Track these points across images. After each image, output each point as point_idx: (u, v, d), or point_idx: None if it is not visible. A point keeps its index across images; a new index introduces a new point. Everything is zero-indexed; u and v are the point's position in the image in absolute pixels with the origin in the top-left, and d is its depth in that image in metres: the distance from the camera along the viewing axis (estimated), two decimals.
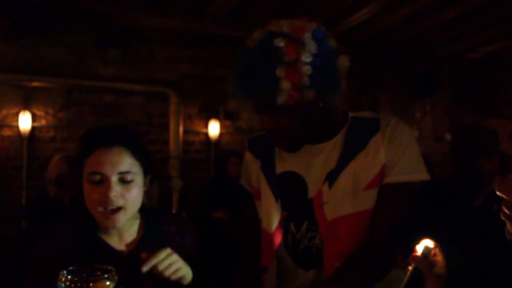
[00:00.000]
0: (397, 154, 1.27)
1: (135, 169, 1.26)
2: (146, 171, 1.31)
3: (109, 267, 1.02)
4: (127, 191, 1.24)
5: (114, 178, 1.22)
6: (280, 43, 1.15)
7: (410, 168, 1.28)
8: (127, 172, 1.24)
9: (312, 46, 1.16)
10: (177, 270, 1.20)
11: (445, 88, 6.38)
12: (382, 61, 6.43)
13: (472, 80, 6.64)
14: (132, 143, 1.28)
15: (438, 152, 5.88)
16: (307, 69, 1.15)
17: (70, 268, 1.00)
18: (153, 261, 1.17)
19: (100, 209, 1.23)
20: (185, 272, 1.23)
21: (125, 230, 1.33)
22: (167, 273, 1.18)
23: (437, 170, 5.58)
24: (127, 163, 1.25)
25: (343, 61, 1.24)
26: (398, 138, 1.28)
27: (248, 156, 1.55)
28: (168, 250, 1.20)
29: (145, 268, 1.16)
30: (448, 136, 6.34)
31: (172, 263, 1.20)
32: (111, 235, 1.31)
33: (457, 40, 6.00)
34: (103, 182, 1.22)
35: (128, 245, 1.32)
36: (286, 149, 1.38)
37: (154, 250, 1.20)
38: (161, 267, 1.17)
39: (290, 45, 1.15)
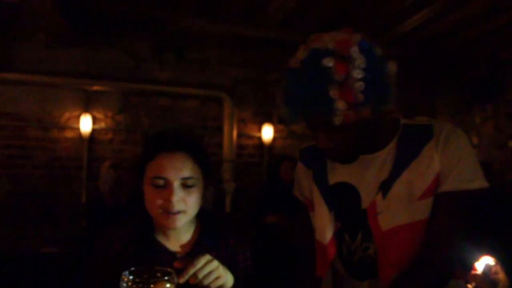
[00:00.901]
0: (452, 162, 1.23)
1: (197, 174, 1.29)
2: (206, 176, 1.34)
3: (169, 270, 1.04)
4: (188, 196, 1.27)
5: (176, 183, 1.25)
6: (329, 63, 1.10)
7: (467, 176, 1.22)
8: (190, 178, 1.26)
9: (360, 60, 1.11)
10: (217, 278, 1.17)
11: (508, 92, 6.11)
12: (439, 66, 6.23)
13: None
14: (195, 149, 1.30)
15: (500, 160, 5.65)
16: (359, 85, 1.11)
17: (132, 268, 1.02)
18: (191, 270, 1.13)
19: (161, 211, 1.26)
20: (225, 280, 1.20)
21: (182, 233, 1.35)
22: (206, 281, 1.15)
23: (499, 178, 5.37)
24: (190, 168, 1.27)
25: (391, 67, 1.19)
26: (453, 145, 1.24)
27: (300, 166, 1.53)
28: (207, 257, 1.17)
29: (183, 279, 1.11)
30: (511, 143, 6.05)
31: (212, 270, 1.16)
32: (167, 236, 1.34)
33: None
34: (166, 187, 1.25)
35: (183, 247, 1.34)
36: (341, 162, 1.35)
37: (193, 259, 1.17)
38: (200, 275, 1.13)
39: (339, 63, 1.11)
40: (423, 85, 6.00)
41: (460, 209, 1.24)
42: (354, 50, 1.12)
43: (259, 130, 5.91)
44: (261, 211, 4.60)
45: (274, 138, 5.94)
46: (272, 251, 3.58)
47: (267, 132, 5.88)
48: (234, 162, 5.63)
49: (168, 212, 1.25)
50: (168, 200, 1.24)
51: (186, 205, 1.27)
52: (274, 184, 4.80)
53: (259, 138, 5.92)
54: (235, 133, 5.67)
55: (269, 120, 5.91)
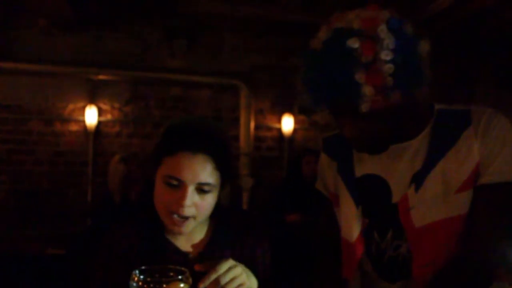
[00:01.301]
0: (493, 151, 1.20)
1: (215, 180, 1.25)
2: (225, 182, 1.31)
3: (183, 268, 1.04)
4: (201, 201, 1.24)
5: (191, 187, 1.21)
6: (354, 44, 1.08)
7: (510, 166, 1.20)
8: (207, 184, 1.22)
9: (389, 40, 1.08)
10: (240, 286, 1.15)
11: None
12: (477, 50, 6.12)
13: None
14: (219, 153, 1.25)
15: None
16: (388, 68, 1.08)
17: (143, 267, 1.02)
18: (213, 276, 1.11)
19: (169, 212, 1.24)
20: (249, 286, 1.19)
21: (194, 231, 1.34)
22: None
23: None
24: (209, 173, 1.23)
25: (424, 47, 1.16)
26: (494, 132, 1.21)
27: (323, 157, 1.52)
28: (230, 262, 1.16)
29: (203, 285, 1.10)
30: None
31: (235, 277, 1.14)
32: (178, 235, 1.33)
33: None
34: (180, 188, 1.22)
35: (195, 246, 1.34)
36: (370, 153, 1.34)
37: (214, 261, 1.16)
38: (222, 281, 1.12)
39: (365, 44, 1.08)
40: (459, 72, 5.91)
41: (503, 203, 1.22)
42: (382, 29, 1.09)
43: (279, 121, 5.91)
44: (281, 209, 4.60)
45: (295, 130, 5.93)
46: (293, 252, 3.58)
47: (287, 123, 5.87)
48: (251, 156, 5.62)
49: (177, 215, 1.23)
50: (179, 204, 1.21)
51: (198, 210, 1.24)
52: (295, 180, 4.78)
53: (279, 130, 5.92)
54: (252, 124, 5.65)
55: (289, 110, 5.89)
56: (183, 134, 1.24)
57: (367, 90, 1.09)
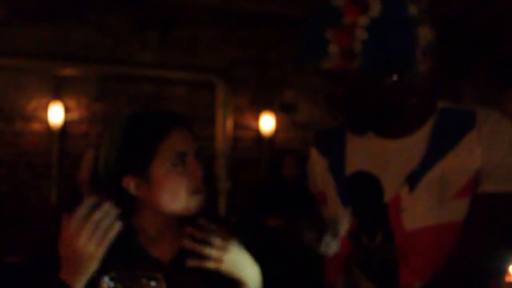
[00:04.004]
0: (497, 157, 1.21)
1: None
2: None
3: (156, 275, 1.03)
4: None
5: (194, 157, 1.30)
6: (339, 2, 1.17)
7: None
8: (200, 148, 1.33)
9: (376, 9, 1.14)
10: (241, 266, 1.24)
11: None
12: (466, 44, 6.21)
13: None
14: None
15: None
16: (361, 33, 1.14)
17: (113, 274, 1.01)
18: (208, 250, 1.18)
19: (190, 192, 1.29)
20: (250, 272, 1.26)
21: (167, 237, 1.35)
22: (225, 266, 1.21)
23: None
24: (195, 139, 1.34)
25: (425, 33, 1.20)
26: (500, 137, 1.22)
27: (314, 153, 1.53)
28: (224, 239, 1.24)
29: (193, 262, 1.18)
30: None
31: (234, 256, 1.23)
32: (152, 239, 1.34)
33: None
34: (187, 163, 1.29)
35: (168, 252, 1.34)
36: (347, 127, 1.38)
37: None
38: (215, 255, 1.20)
39: (349, 6, 1.16)
40: (446, 66, 5.97)
41: (503, 214, 1.23)
42: None
43: (258, 120, 5.90)
44: (261, 214, 4.63)
45: (275, 130, 5.92)
46: (274, 260, 3.59)
47: (267, 122, 5.86)
48: (229, 157, 5.63)
49: (197, 191, 1.29)
50: (195, 178, 1.28)
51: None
52: (275, 183, 4.85)
53: (258, 130, 5.91)
54: (230, 123, 5.67)
55: (270, 108, 5.89)
56: (167, 115, 1.34)
57: (332, 48, 1.17)
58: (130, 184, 1.28)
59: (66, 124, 5.34)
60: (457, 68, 6.27)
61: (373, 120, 1.31)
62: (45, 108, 5.28)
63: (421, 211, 1.25)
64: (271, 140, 5.90)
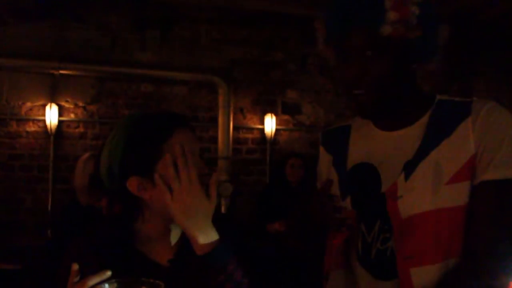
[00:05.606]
0: (493, 145, 1.24)
1: None
2: None
3: (157, 281, 1.04)
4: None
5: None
6: None
7: (511, 163, 1.23)
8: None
9: None
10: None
11: None
12: (478, 42, 6.22)
13: None
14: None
15: None
16: (415, 9, 1.22)
17: (113, 280, 1.04)
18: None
19: None
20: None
21: (167, 241, 1.36)
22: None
23: None
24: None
25: (444, 30, 1.29)
26: (494, 125, 1.25)
27: (321, 151, 1.60)
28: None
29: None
30: None
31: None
32: (150, 244, 1.34)
33: None
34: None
35: (167, 255, 1.34)
36: (357, 110, 1.38)
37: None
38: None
39: None
40: (457, 64, 5.95)
41: (506, 202, 1.25)
42: None
43: (261, 121, 5.93)
44: (263, 217, 4.65)
45: (278, 131, 5.95)
46: (276, 264, 3.56)
47: (270, 124, 5.89)
48: (231, 159, 5.62)
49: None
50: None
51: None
52: (278, 185, 4.83)
53: (261, 131, 5.94)
54: (231, 125, 5.65)
55: (272, 109, 5.93)
56: (171, 115, 1.34)
57: (392, 15, 1.22)
58: (134, 185, 1.27)
59: (62, 125, 5.36)
60: (469, 66, 6.30)
61: (383, 107, 1.35)
62: (41, 109, 5.30)
63: (417, 198, 1.29)
64: (274, 142, 5.95)
